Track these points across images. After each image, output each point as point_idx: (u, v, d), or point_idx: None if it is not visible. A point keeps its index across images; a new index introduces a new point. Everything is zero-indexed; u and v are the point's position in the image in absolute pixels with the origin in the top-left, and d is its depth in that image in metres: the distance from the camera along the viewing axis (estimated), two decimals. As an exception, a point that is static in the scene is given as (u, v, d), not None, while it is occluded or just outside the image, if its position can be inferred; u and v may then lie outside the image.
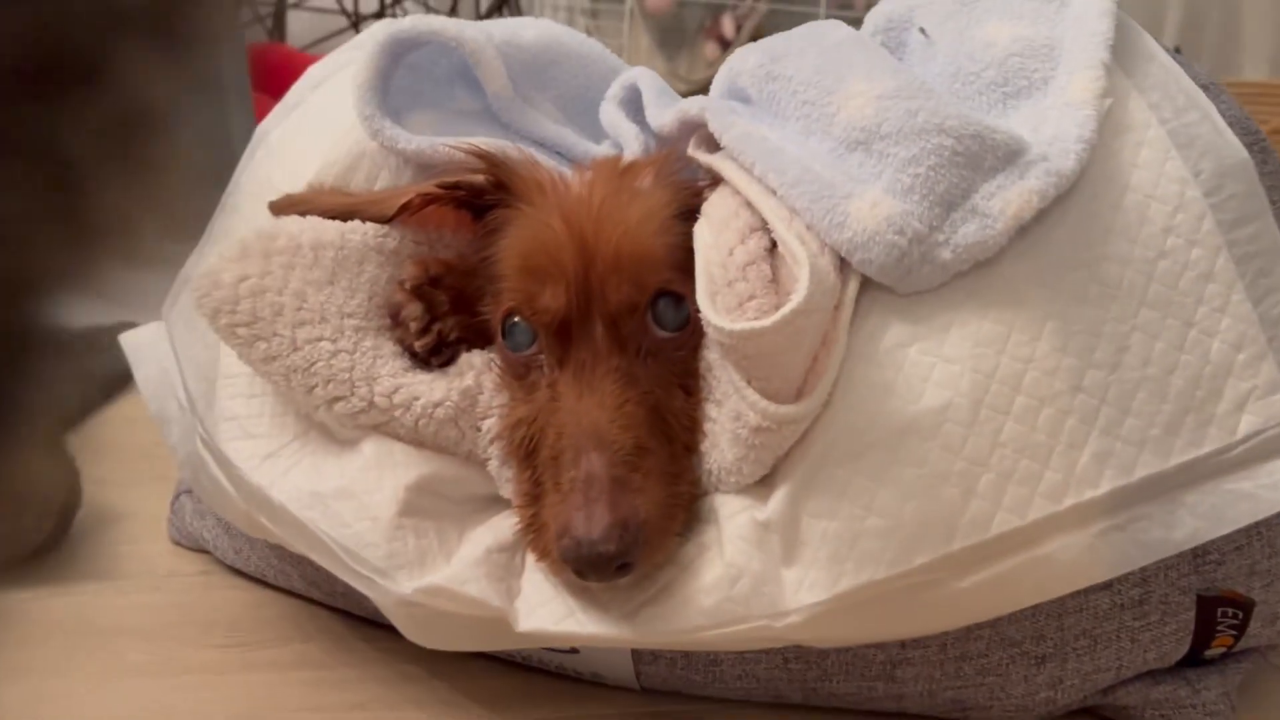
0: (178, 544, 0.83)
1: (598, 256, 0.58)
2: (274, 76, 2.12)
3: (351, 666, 0.66)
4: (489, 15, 2.60)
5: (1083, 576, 0.55)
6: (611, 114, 0.75)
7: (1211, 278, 0.57)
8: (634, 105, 0.76)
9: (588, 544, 0.52)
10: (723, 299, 0.54)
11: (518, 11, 2.54)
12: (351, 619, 0.72)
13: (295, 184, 0.69)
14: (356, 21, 2.73)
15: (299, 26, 2.75)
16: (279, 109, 0.81)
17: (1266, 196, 0.59)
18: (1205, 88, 0.62)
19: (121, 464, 1.02)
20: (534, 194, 0.62)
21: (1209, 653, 0.61)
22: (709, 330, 0.53)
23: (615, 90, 0.77)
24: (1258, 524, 0.58)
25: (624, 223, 0.59)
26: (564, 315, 0.58)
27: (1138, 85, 0.60)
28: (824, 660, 0.60)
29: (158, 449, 1.06)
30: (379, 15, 2.68)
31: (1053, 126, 0.58)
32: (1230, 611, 0.60)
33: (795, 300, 0.51)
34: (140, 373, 0.78)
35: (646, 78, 0.75)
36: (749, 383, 0.53)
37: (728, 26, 2.59)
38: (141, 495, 0.93)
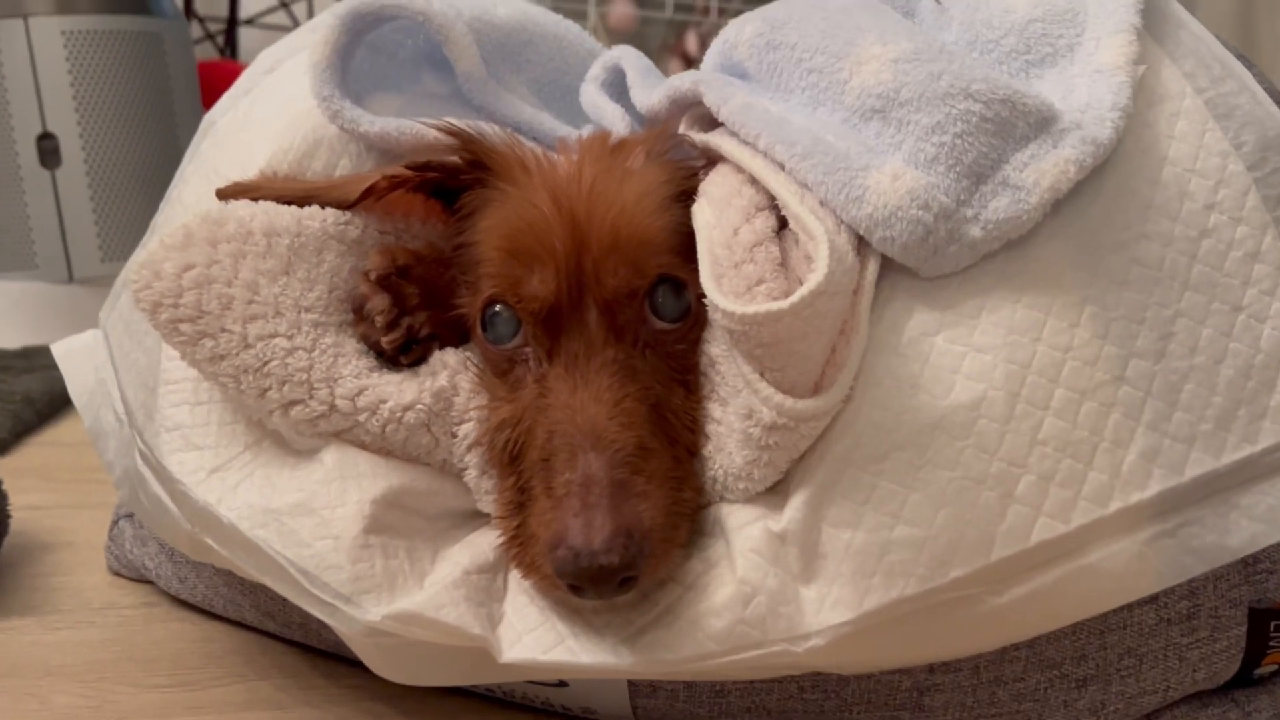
0: (117, 574, 0.76)
1: (591, 238, 0.52)
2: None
3: (312, 706, 0.59)
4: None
5: (1132, 588, 0.50)
6: (593, 96, 0.69)
7: (1259, 258, 0.52)
8: (617, 87, 0.70)
9: (587, 555, 0.45)
10: (729, 282, 0.48)
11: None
12: (310, 653, 0.64)
13: (245, 172, 0.62)
14: (312, 39, 2.67)
15: (251, 44, 2.69)
16: (228, 96, 0.74)
17: (1312, 171, 0.54)
18: (1236, 57, 0.57)
19: (56, 490, 0.95)
20: (516, 173, 0.56)
21: (1259, 671, 0.56)
22: (716, 316, 0.47)
23: (596, 71, 0.71)
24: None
25: (619, 202, 0.53)
26: (553, 302, 0.52)
27: (1170, 53, 0.55)
28: (844, 689, 0.54)
29: (97, 474, 0.98)
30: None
31: (1084, 94, 0.53)
32: (1284, 625, 0.55)
33: (814, 279, 0.45)
34: (74, 383, 0.71)
35: (630, 57, 0.70)
36: (762, 375, 0.47)
37: (692, 43, 2.55)
38: (78, 523, 0.86)
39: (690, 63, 2.53)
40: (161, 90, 1.64)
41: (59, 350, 0.74)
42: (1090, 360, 0.49)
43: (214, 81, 1.84)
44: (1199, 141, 0.53)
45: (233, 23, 2.60)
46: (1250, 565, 0.54)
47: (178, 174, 0.73)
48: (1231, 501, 0.50)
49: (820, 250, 0.46)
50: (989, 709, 0.54)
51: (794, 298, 0.45)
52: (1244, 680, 0.56)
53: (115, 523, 0.76)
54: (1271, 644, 0.55)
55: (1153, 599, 0.53)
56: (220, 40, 2.60)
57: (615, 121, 0.66)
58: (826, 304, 0.46)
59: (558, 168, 0.56)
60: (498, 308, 0.54)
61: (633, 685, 0.55)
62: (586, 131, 0.69)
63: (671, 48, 2.58)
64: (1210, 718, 0.56)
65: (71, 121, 1.53)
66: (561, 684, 0.56)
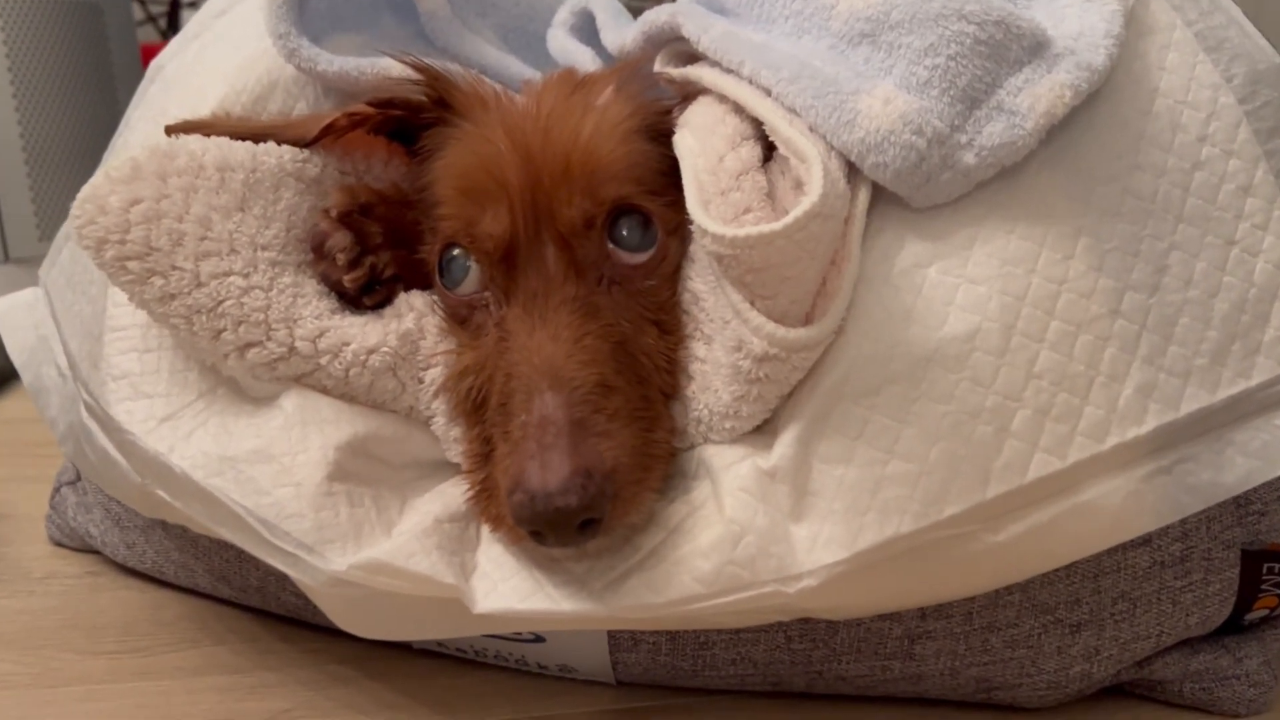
0: (59, 544, 0.72)
1: (544, 170, 0.49)
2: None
3: (271, 670, 0.56)
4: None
5: (1129, 526, 0.48)
6: (562, 40, 0.67)
7: (1251, 191, 0.51)
8: (586, 31, 0.68)
9: (543, 497, 0.42)
10: (716, 209, 0.46)
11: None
12: (268, 618, 0.61)
13: (195, 114, 0.59)
14: (258, 21, 2.61)
15: (196, 27, 2.62)
16: (176, 41, 0.71)
17: (1301, 104, 0.53)
18: (1221, -7, 0.56)
19: (3, 463, 0.90)
20: (476, 111, 0.53)
21: (1250, 616, 0.55)
22: (705, 242, 0.45)
23: (564, 16, 0.69)
24: (1298, 470, 0.52)
25: (575, 133, 0.50)
26: (508, 240, 0.49)
27: (1158, -16, 0.54)
28: (833, 638, 0.52)
29: (34, 448, 0.95)
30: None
31: (1075, 23, 0.51)
32: (1276, 567, 0.54)
33: (808, 200, 0.43)
34: (12, 340, 0.67)
35: (600, 0, 0.67)
36: (752, 303, 0.45)
37: None
38: (16, 496, 0.82)
39: None
40: (102, 65, 1.59)
41: (-2, 307, 0.70)
42: (1085, 293, 0.48)
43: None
44: (1190, 74, 0.52)
45: (175, 4, 2.53)
46: (1242, 506, 0.53)
47: (122, 122, 0.70)
48: (1226, 438, 0.48)
49: (814, 171, 0.44)
50: (981, 656, 0.52)
51: (788, 219, 0.43)
52: (1234, 626, 0.55)
53: (56, 490, 0.72)
54: (1264, 587, 0.54)
55: (1146, 541, 0.52)
56: (163, 22, 2.53)
57: (586, 64, 0.64)
58: (820, 227, 0.44)
59: (516, 104, 0.53)
60: (455, 251, 0.51)
61: (613, 639, 0.53)
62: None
63: None
64: (1201, 664, 0.55)
65: (7, 95, 1.47)
66: (538, 639, 0.53)
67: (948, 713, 0.54)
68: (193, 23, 0.71)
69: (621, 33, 0.63)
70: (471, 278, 0.51)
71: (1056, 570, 0.50)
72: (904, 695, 0.54)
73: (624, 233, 0.50)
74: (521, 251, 0.49)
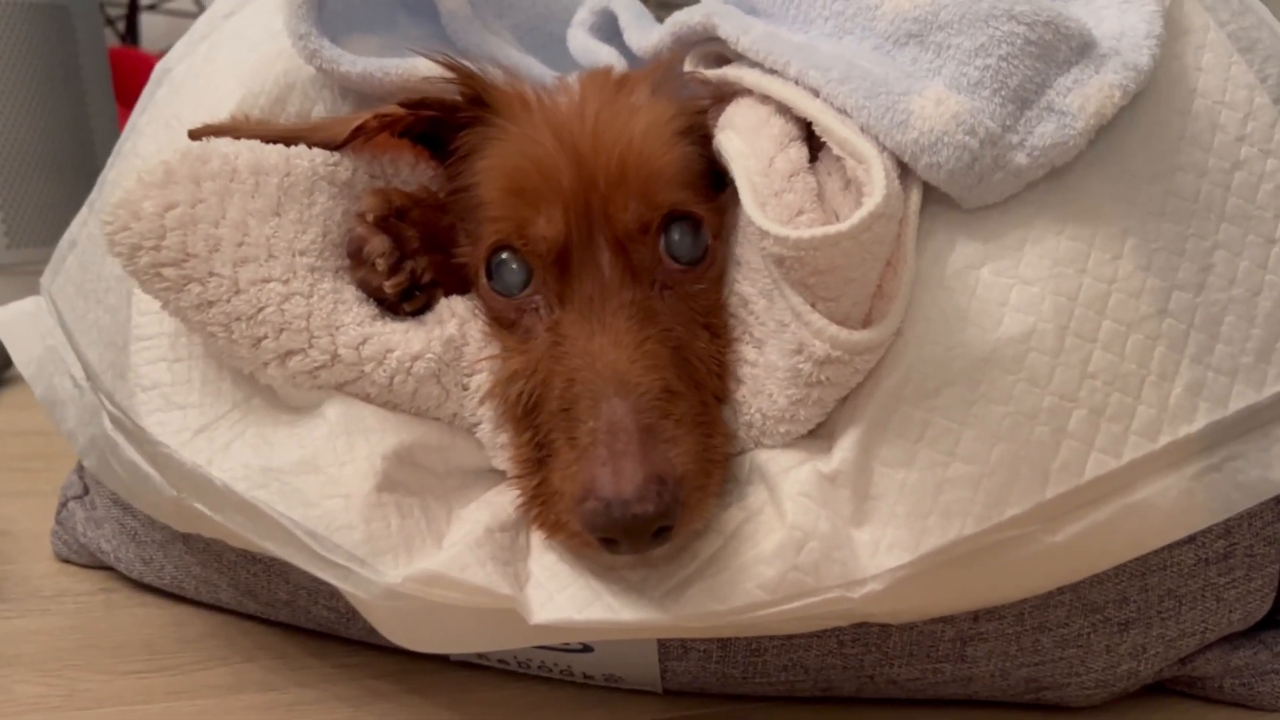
0: (66, 561, 0.70)
1: (599, 172, 0.49)
2: (129, 83, 1.95)
3: (308, 686, 0.54)
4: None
5: (1181, 524, 0.48)
6: (583, 40, 0.66)
7: (1289, 190, 0.51)
8: (607, 31, 0.67)
9: (619, 504, 0.41)
10: (772, 210, 0.46)
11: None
12: (296, 633, 0.60)
13: (209, 118, 0.57)
14: (220, 26, 2.57)
15: (155, 31, 2.58)
16: (183, 43, 0.69)
17: (1333, 105, 0.54)
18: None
19: (-12, 478, 0.87)
20: (516, 110, 0.52)
21: (1288, 611, 0.56)
22: (765, 244, 0.44)
23: (584, 16, 0.68)
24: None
25: (626, 135, 0.50)
26: (563, 243, 0.49)
27: (1190, -14, 0.54)
28: (886, 642, 0.51)
29: (24, 461, 0.92)
30: (244, 19, 2.53)
31: (1114, 23, 0.51)
32: (1315, 563, 0.54)
33: (873, 200, 0.43)
34: (18, 352, 0.65)
35: (621, 0, 0.66)
36: (813, 306, 0.45)
37: None
38: (13, 511, 0.79)
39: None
40: (70, 68, 1.55)
41: (-1, 317, 0.68)
42: (1135, 292, 0.48)
43: (116, 70, 1.74)
44: (1225, 74, 0.52)
45: (134, 7, 2.49)
46: (1282, 502, 0.54)
47: (128, 126, 0.68)
48: (1273, 434, 0.49)
49: (875, 172, 0.44)
50: (1032, 657, 0.52)
51: (853, 219, 0.42)
52: (1272, 621, 0.56)
53: (63, 505, 0.70)
54: (1302, 582, 0.55)
55: (1190, 539, 0.52)
56: (121, 26, 2.48)
57: (610, 63, 0.63)
58: (883, 228, 0.43)
59: (559, 103, 0.52)
60: (504, 254, 0.50)
61: (663, 647, 0.52)
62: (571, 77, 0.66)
63: None
64: (1241, 659, 0.55)
65: (-28, 100, 1.44)
66: (585, 649, 0.52)
67: (995, 713, 0.54)
68: (199, 24, 0.70)
69: (647, 33, 0.62)
70: (522, 280, 0.50)
71: (1105, 569, 0.50)
72: (952, 697, 0.54)
73: (675, 237, 0.50)
74: (575, 254, 0.48)
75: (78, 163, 1.54)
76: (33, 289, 1.52)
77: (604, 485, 0.42)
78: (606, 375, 0.45)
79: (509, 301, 0.51)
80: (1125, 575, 0.52)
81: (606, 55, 0.64)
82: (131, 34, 2.50)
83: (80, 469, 0.69)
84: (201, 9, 2.53)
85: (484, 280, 0.51)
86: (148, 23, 2.58)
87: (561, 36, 0.70)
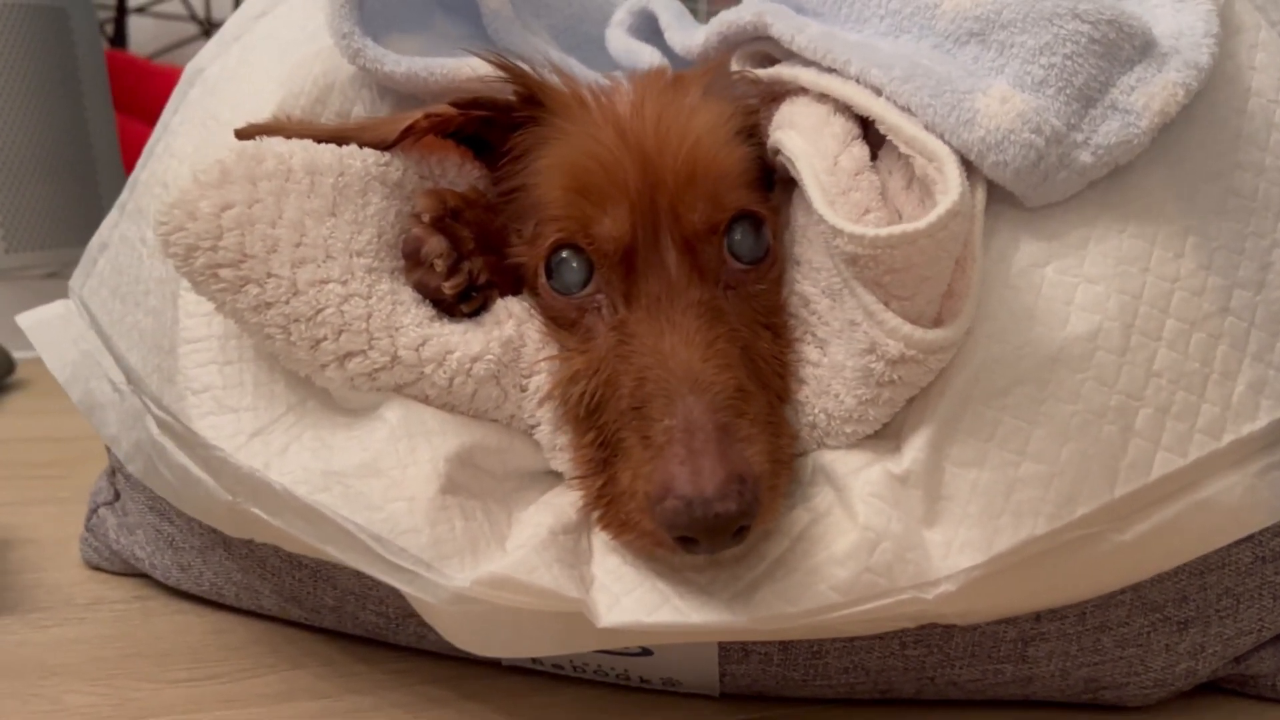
0: (97, 568, 0.69)
1: (666, 172, 0.49)
2: (118, 86, 1.93)
3: (361, 694, 0.54)
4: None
5: (1246, 522, 0.48)
6: (623, 40, 0.66)
7: (1343, 189, 0.51)
8: (645, 31, 0.67)
9: (700, 503, 0.41)
10: (841, 209, 0.46)
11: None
12: (342, 639, 0.59)
13: (249, 119, 0.56)
14: (208, 29, 2.55)
15: (142, 34, 2.56)
16: (214, 43, 0.68)
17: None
18: None
19: (8, 486, 0.86)
20: (574, 109, 0.52)
21: (1339, 608, 0.56)
22: (839, 242, 0.44)
23: (622, 16, 0.68)
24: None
25: (691, 135, 0.49)
26: (629, 242, 0.48)
27: (1239, -14, 0.55)
28: (948, 643, 0.51)
29: (39, 469, 0.91)
30: (235, 23, 2.51)
31: (1170, 22, 0.51)
32: (1368, 560, 0.54)
33: (949, 198, 0.43)
34: (52, 357, 0.64)
35: (660, 0, 0.66)
36: (887, 305, 0.44)
37: None
38: (33, 519, 0.78)
39: None
40: (68, 70, 1.54)
41: (27, 322, 0.67)
42: (1197, 290, 0.48)
43: (109, 75, 1.73)
44: (1279, 73, 0.52)
45: (122, 10, 2.47)
46: (1337, 500, 0.54)
47: (159, 125, 0.67)
48: (1333, 432, 0.49)
49: (949, 169, 0.44)
50: (1092, 656, 0.52)
51: (930, 217, 0.42)
52: (1323, 619, 0.56)
53: (94, 511, 0.69)
54: (1356, 579, 0.55)
55: (1249, 537, 0.52)
56: (109, 29, 2.46)
57: (651, 64, 0.63)
58: (959, 225, 0.43)
59: (617, 103, 0.52)
60: (565, 253, 0.50)
61: (723, 650, 0.52)
62: (619, 76, 0.65)
63: None
64: (1294, 658, 0.55)
65: (-30, 102, 1.42)
66: (645, 652, 0.52)
67: (1054, 713, 0.54)
68: (230, 24, 0.69)
69: (690, 33, 0.62)
70: (582, 279, 0.49)
71: (1165, 569, 0.50)
72: (1012, 698, 0.54)
73: (738, 237, 0.49)
74: (641, 254, 0.48)
75: (76, 167, 1.52)
76: (31, 293, 1.50)
77: (684, 484, 0.41)
78: (680, 374, 0.45)
79: (569, 300, 0.50)
80: (1185, 574, 0.52)
81: (649, 55, 0.64)
82: (120, 37, 2.48)
83: (110, 474, 0.68)
84: (191, 12, 2.51)
85: (543, 279, 0.51)
86: (136, 25, 2.56)
87: (597, 37, 0.70)
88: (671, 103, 0.51)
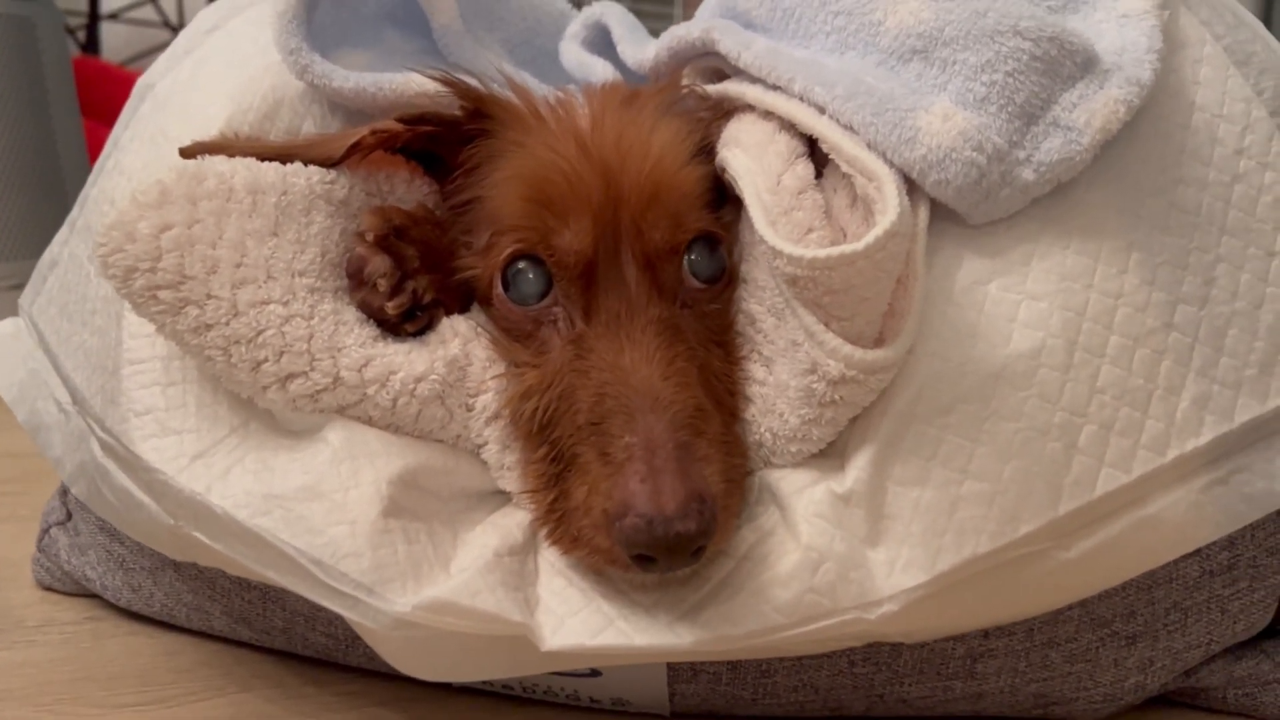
0: (49, 589, 0.68)
1: (628, 188, 0.49)
2: (91, 93, 1.92)
3: (307, 716, 0.53)
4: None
5: (1191, 538, 0.49)
6: (576, 53, 0.65)
7: (1288, 203, 0.52)
8: (600, 44, 0.67)
9: (661, 522, 0.41)
10: (783, 229, 0.45)
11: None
12: (293, 661, 0.59)
13: (198, 135, 0.56)
14: (182, 36, 2.54)
15: (115, 40, 2.54)
16: (165, 58, 0.68)
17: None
18: (1238, 10, 0.57)
19: (-40, 504, 0.85)
20: (530, 122, 0.52)
21: (1288, 621, 0.56)
22: (778, 263, 0.44)
23: (576, 29, 0.67)
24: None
25: (652, 153, 0.50)
26: (590, 256, 0.48)
27: (1186, 1, 0.55)
28: (896, 660, 0.51)
29: (8, 485, 0.90)
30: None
31: (1114, 38, 0.51)
32: (1316, 572, 0.55)
33: (887, 219, 0.43)
34: (0, 377, 0.63)
35: (614, 13, 0.66)
36: (827, 325, 0.44)
37: None
38: (-5, 537, 0.77)
39: None
40: (34, 79, 1.52)
41: (-26, 341, 0.66)
42: (1141, 306, 0.48)
43: (77, 80, 1.71)
44: (1223, 87, 0.53)
45: (94, 16, 2.45)
46: (1284, 513, 0.54)
47: (109, 142, 0.66)
48: (1277, 446, 0.49)
49: (887, 189, 0.44)
50: (1041, 672, 0.52)
51: (868, 239, 0.42)
52: (1272, 632, 0.56)
53: (45, 531, 0.68)
54: (1303, 592, 0.55)
55: (1195, 552, 0.52)
56: (81, 35, 2.45)
57: (605, 77, 0.62)
58: (897, 246, 0.43)
59: (576, 116, 0.52)
60: (522, 264, 0.50)
61: (672, 670, 0.52)
62: (572, 89, 0.65)
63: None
64: (1244, 670, 0.55)
65: (-64, 111, 1.41)
66: (594, 673, 0.52)
67: (1002, 730, 0.54)
68: (181, 38, 0.68)
69: (642, 47, 0.62)
70: (539, 291, 0.49)
71: (1113, 585, 0.50)
72: (961, 714, 0.54)
73: (696, 257, 0.49)
74: (601, 268, 0.48)
75: (43, 177, 1.51)
76: (-1, 304, 1.47)
77: (645, 502, 0.41)
78: (641, 391, 0.45)
79: (525, 312, 0.50)
80: (1132, 589, 0.52)
81: (601, 68, 0.63)
82: (92, 43, 2.47)
83: (63, 493, 0.68)
84: (164, 18, 2.50)
85: (499, 290, 0.50)
86: (109, 31, 2.54)
87: (550, 50, 0.69)
88: (632, 119, 0.51)
